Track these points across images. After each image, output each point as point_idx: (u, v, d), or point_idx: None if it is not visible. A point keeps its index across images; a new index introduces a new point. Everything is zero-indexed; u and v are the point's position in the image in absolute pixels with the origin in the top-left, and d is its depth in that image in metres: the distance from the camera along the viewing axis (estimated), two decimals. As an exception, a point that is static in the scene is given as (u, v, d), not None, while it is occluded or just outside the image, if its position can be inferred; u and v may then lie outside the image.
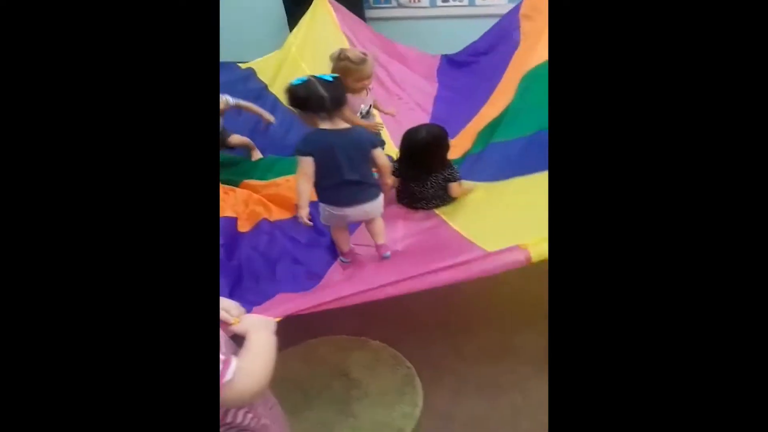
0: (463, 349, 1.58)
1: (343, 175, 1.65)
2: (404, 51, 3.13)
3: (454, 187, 2.07)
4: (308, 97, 1.61)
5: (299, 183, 1.68)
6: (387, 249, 1.83)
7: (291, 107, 1.70)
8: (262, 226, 1.97)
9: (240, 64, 2.85)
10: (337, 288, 1.34)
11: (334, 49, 2.99)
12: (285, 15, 3.60)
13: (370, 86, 2.29)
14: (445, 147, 2.11)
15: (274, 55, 2.90)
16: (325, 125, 1.64)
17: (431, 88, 2.92)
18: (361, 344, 1.45)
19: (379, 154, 1.77)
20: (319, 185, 1.70)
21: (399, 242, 1.90)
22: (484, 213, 1.90)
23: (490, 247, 1.33)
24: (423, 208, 2.08)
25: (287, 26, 3.49)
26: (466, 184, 2.13)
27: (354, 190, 1.70)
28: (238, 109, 2.41)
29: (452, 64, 3.02)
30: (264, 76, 2.80)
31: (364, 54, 2.20)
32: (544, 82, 2.45)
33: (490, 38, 2.92)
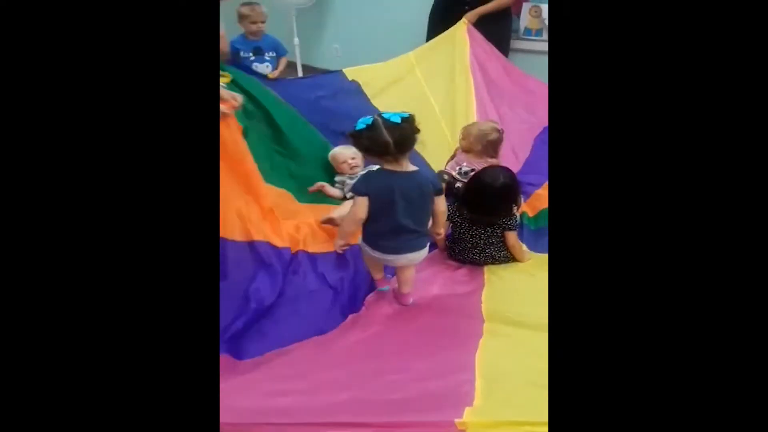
0: None
1: (397, 219, 1.57)
2: (533, 86, 2.89)
3: (510, 237, 1.89)
4: (371, 144, 1.53)
5: (348, 223, 1.68)
6: (409, 298, 1.72)
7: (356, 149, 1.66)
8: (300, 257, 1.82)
9: (346, 71, 2.81)
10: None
11: (453, 75, 2.85)
12: (426, 31, 3.53)
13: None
14: (518, 195, 1.99)
15: (383, 66, 2.83)
16: (389, 166, 1.57)
17: (532, 138, 2.68)
18: None
19: (440, 200, 1.66)
20: (369, 228, 1.64)
21: (425, 300, 1.74)
22: (521, 299, 1.68)
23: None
24: (475, 260, 1.91)
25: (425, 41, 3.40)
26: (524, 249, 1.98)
27: (405, 238, 1.61)
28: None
29: None
30: (369, 88, 2.74)
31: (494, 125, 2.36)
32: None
33: None
